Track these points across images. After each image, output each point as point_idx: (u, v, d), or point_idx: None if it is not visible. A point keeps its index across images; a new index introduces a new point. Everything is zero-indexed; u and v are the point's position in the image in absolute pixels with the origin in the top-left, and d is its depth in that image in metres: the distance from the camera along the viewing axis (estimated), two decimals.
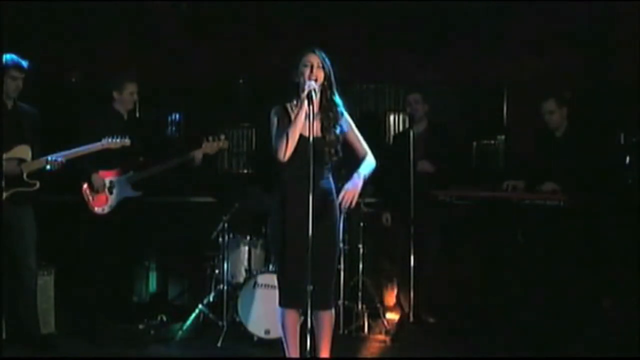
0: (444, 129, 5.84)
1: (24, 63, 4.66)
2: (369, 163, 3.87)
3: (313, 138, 3.57)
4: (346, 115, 3.89)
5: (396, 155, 5.68)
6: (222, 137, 5.29)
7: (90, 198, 5.16)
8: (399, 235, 5.75)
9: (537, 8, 6.00)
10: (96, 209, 5.17)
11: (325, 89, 3.81)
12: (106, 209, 5.19)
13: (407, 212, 5.46)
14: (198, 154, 5.23)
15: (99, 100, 5.44)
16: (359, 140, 3.92)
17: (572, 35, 6.01)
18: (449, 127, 6.03)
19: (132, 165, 5.25)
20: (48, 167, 4.66)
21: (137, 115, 5.98)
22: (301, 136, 3.69)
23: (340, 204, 3.73)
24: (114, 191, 5.20)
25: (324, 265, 3.74)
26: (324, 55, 3.80)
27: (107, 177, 5.20)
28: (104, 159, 5.02)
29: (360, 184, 3.72)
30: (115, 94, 5.28)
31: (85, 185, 5.15)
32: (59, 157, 4.67)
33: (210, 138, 5.25)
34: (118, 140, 4.82)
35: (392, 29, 6.28)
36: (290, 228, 3.75)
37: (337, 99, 3.87)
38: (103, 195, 5.18)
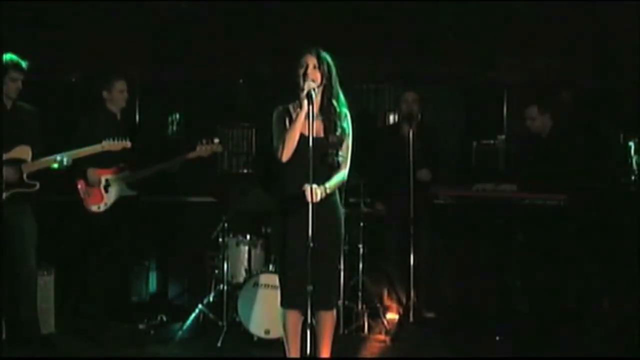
0: (434, 130, 5.84)
1: (24, 63, 4.65)
2: (340, 178, 3.80)
3: (313, 138, 3.56)
4: (349, 119, 3.85)
5: (386, 148, 5.70)
6: (216, 140, 5.29)
7: (86, 196, 5.15)
8: (389, 229, 5.74)
9: (537, 8, 5.99)
10: (92, 206, 5.16)
11: (326, 90, 3.80)
12: (102, 207, 5.18)
13: (406, 210, 5.46)
14: (191, 156, 5.23)
15: (94, 101, 5.43)
16: (347, 152, 3.85)
17: (572, 36, 6.02)
18: (443, 127, 6.04)
19: (128, 164, 5.24)
20: (56, 165, 4.66)
21: (137, 116, 5.97)
22: (302, 136, 3.68)
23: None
24: (110, 189, 5.19)
25: (325, 265, 3.73)
26: (323, 55, 3.76)
27: (103, 174, 5.19)
28: (100, 158, 5.01)
29: (322, 196, 3.60)
30: (104, 94, 5.27)
31: (80, 183, 5.15)
32: (65, 156, 4.68)
33: (204, 141, 5.25)
34: (118, 142, 4.83)
35: (392, 29, 6.28)
36: (291, 229, 3.74)
37: (340, 100, 3.83)
38: (98, 193, 5.17)
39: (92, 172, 5.13)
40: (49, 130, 4.90)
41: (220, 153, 5.75)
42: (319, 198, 3.56)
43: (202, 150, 5.23)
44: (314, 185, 3.53)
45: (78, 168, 5.03)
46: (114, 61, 6.20)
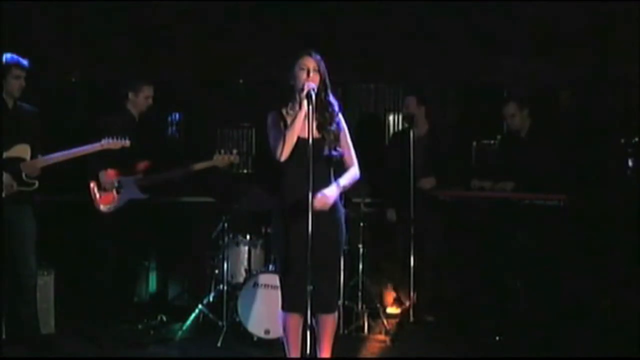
0: (445, 132, 5.86)
1: (24, 62, 4.66)
2: (353, 174, 3.84)
3: (312, 139, 3.55)
4: (341, 117, 3.88)
5: (394, 155, 5.71)
6: (234, 151, 5.30)
7: (98, 196, 5.16)
8: (398, 234, 5.76)
9: (537, 8, 6.00)
10: (102, 207, 5.16)
11: (320, 91, 3.80)
12: (111, 208, 5.18)
13: (407, 211, 5.47)
14: (207, 166, 5.23)
15: (105, 101, 5.43)
16: (348, 148, 3.87)
17: (572, 35, 6.02)
18: (449, 128, 6.04)
19: (142, 167, 5.25)
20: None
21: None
22: (300, 138, 3.68)
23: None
24: (122, 191, 5.19)
25: (326, 267, 3.73)
26: (319, 58, 3.81)
27: (116, 177, 5.19)
28: (114, 160, 5.02)
29: (336, 194, 3.69)
30: (130, 95, 5.28)
31: (93, 183, 5.15)
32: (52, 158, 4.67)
33: (222, 151, 5.25)
34: (118, 140, 4.82)
35: (392, 29, 6.28)
36: (292, 231, 3.74)
37: (332, 99, 3.88)
38: (110, 195, 5.18)
39: (104, 175, 5.13)
40: (49, 130, 4.89)
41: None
42: (330, 202, 3.62)
43: (219, 160, 5.23)
44: (324, 191, 3.58)
45: (92, 169, 5.03)
46: (113, 61, 6.20)
